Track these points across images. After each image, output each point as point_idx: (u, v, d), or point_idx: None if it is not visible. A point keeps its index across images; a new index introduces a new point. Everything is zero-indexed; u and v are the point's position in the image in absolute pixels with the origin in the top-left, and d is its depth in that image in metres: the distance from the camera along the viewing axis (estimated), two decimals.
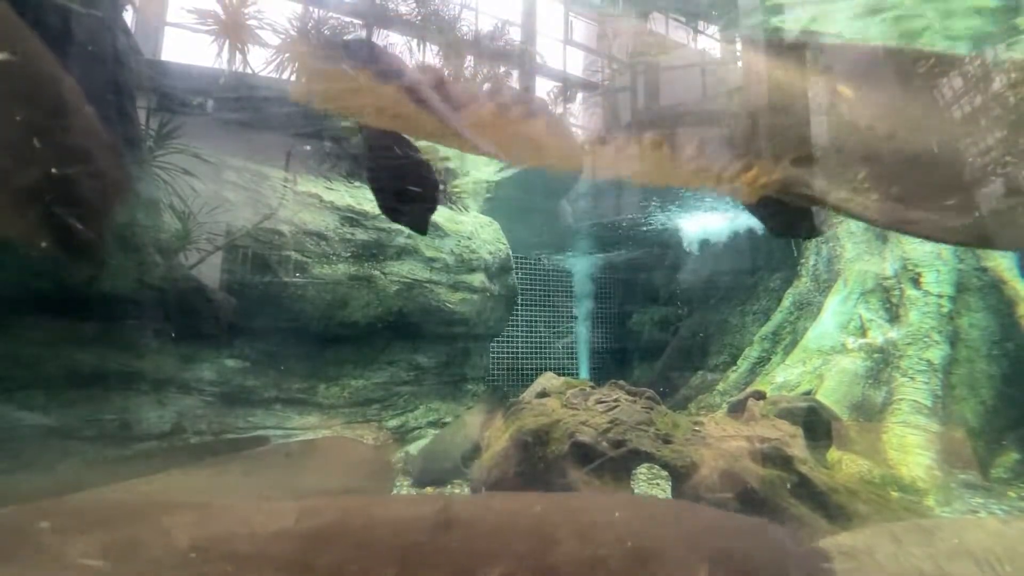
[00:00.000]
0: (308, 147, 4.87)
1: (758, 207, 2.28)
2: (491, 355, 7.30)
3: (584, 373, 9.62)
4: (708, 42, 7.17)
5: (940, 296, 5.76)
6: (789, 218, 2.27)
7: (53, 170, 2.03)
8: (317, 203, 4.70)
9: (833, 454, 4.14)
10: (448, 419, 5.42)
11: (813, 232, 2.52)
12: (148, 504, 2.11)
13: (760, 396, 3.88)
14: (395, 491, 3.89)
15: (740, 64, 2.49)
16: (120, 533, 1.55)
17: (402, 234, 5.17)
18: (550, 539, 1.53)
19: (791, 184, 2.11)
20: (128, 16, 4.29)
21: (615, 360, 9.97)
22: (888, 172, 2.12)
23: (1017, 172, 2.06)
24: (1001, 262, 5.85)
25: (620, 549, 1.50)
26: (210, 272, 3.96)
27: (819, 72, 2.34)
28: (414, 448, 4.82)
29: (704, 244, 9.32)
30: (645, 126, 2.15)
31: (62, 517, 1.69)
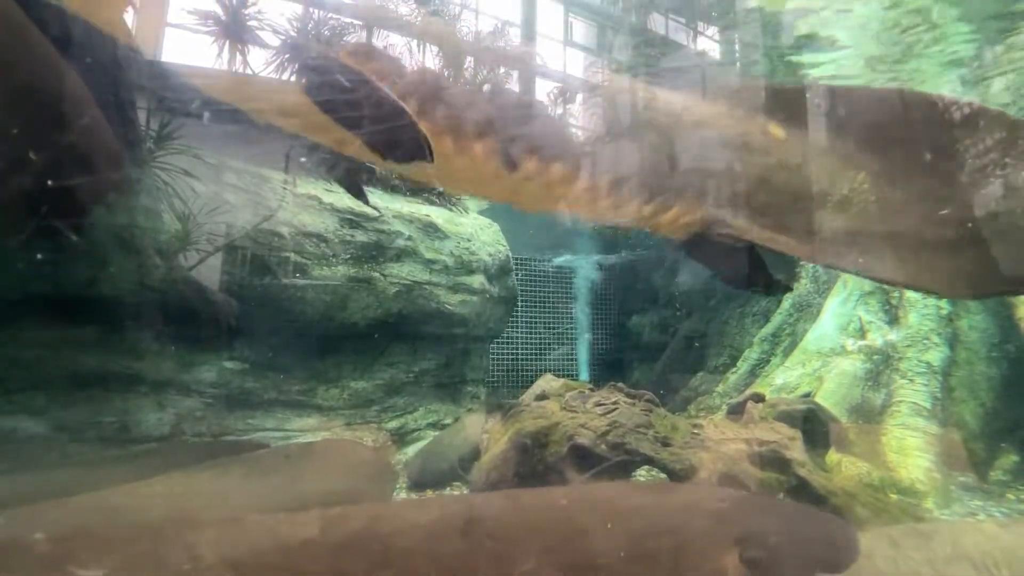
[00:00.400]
0: (304, 159, 4.87)
1: (703, 256, 2.28)
2: (491, 357, 7.30)
3: (584, 375, 9.62)
4: (707, 44, 7.18)
5: (939, 298, 5.77)
6: (740, 267, 2.22)
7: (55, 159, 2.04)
8: (317, 205, 4.71)
9: (832, 456, 4.15)
10: (448, 421, 5.42)
11: (775, 287, 2.48)
12: (165, 516, 2.10)
13: (759, 399, 3.89)
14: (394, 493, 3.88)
15: (666, 103, 2.41)
16: (142, 547, 1.51)
17: (402, 236, 5.17)
18: (581, 530, 1.54)
19: (712, 223, 2.13)
20: (128, 17, 4.29)
21: (615, 361, 9.97)
22: (816, 211, 2.14)
23: (943, 217, 2.08)
24: None
25: (652, 535, 1.50)
26: (210, 274, 3.96)
27: (748, 112, 2.36)
28: (413, 450, 4.82)
29: None
30: (556, 156, 2.02)
31: (76, 530, 1.67)
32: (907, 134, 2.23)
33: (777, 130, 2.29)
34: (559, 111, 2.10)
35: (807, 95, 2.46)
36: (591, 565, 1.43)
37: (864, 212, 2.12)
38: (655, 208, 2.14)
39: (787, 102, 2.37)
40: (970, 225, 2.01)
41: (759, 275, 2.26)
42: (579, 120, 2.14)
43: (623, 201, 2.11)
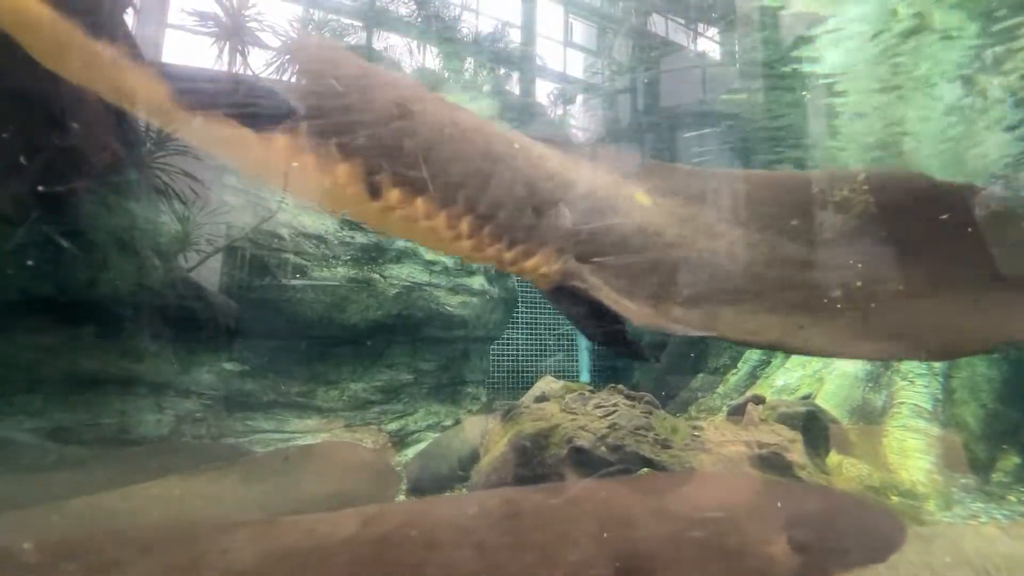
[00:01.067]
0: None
1: (562, 307, 2.35)
2: (491, 358, 7.29)
3: (584, 376, 9.61)
4: (707, 45, 7.18)
5: None
6: (600, 326, 2.28)
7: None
8: (316, 206, 4.70)
9: (833, 458, 4.13)
10: (448, 423, 5.41)
11: (634, 351, 2.62)
12: (164, 520, 2.10)
13: (759, 400, 3.87)
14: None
15: (539, 156, 2.47)
16: (177, 551, 1.49)
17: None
18: (626, 519, 1.51)
19: (569, 276, 2.21)
20: (129, 18, 4.29)
21: (616, 362, 9.95)
22: (668, 276, 2.30)
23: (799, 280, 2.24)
24: None
25: (699, 522, 1.48)
26: (209, 275, 3.95)
27: (616, 176, 2.54)
28: (413, 452, 4.81)
29: None
30: (422, 191, 2.02)
31: (108, 533, 1.64)
32: (769, 212, 2.43)
33: (643, 197, 2.47)
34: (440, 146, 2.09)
35: (675, 171, 2.76)
36: (639, 553, 1.40)
37: (714, 277, 2.30)
38: (516, 255, 2.20)
39: (659, 174, 2.65)
40: (812, 289, 2.20)
41: (621, 340, 2.37)
42: (456, 158, 2.13)
43: (484, 244, 2.15)
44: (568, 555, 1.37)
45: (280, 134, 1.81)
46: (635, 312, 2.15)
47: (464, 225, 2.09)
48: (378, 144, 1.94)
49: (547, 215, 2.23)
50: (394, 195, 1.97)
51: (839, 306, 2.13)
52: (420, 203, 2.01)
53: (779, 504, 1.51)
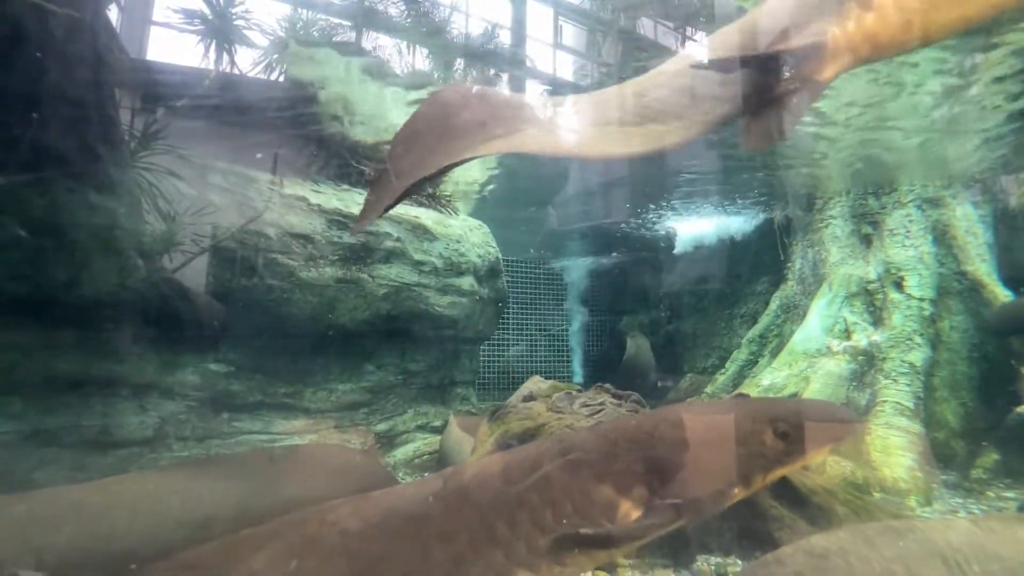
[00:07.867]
0: (291, 150, 4.84)
1: None
2: (481, 358, 7.28)
3: (577, 376, 9.64)
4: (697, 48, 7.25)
5: (922, 300, 5.86)
6: None
7: None
8: (304, 206, 4.68)
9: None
10: (437, 423, 5.40)
11: None
12: (136, 513, 2.15)
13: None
14: None
15: None
16: (296, 532, 1.73)
17: (390, 237, 5.16)
18: (662, 437, 1.84)
19: None
20: (113, 15, 4.25)
21: (606, 362, 10.01)
22: None
23: None
24: (980, 267, 5.97)
25: (719, 429, 1.88)
26: (194, 275, 3.91)
27: None
28: (402, 453, 4.80)
29: (693, 248, 9.41)
30: None
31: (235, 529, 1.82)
32: None
33: None
34: None
35: None
36: (680, 456, 1.78)
37: None
38: None
39: None
40: None
41: None
42: None
43: None
44: (613, 466, 1.77)
45: None
46: None
47: None
48: None
49: None
50: None
51: None
52: None
53: (767, 410, 1.96)
